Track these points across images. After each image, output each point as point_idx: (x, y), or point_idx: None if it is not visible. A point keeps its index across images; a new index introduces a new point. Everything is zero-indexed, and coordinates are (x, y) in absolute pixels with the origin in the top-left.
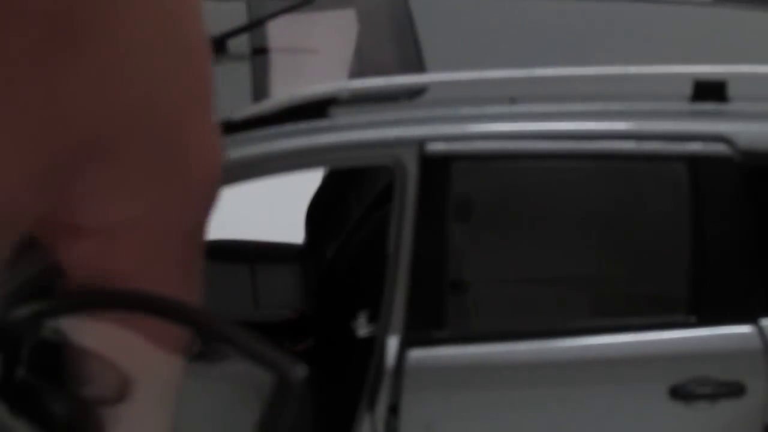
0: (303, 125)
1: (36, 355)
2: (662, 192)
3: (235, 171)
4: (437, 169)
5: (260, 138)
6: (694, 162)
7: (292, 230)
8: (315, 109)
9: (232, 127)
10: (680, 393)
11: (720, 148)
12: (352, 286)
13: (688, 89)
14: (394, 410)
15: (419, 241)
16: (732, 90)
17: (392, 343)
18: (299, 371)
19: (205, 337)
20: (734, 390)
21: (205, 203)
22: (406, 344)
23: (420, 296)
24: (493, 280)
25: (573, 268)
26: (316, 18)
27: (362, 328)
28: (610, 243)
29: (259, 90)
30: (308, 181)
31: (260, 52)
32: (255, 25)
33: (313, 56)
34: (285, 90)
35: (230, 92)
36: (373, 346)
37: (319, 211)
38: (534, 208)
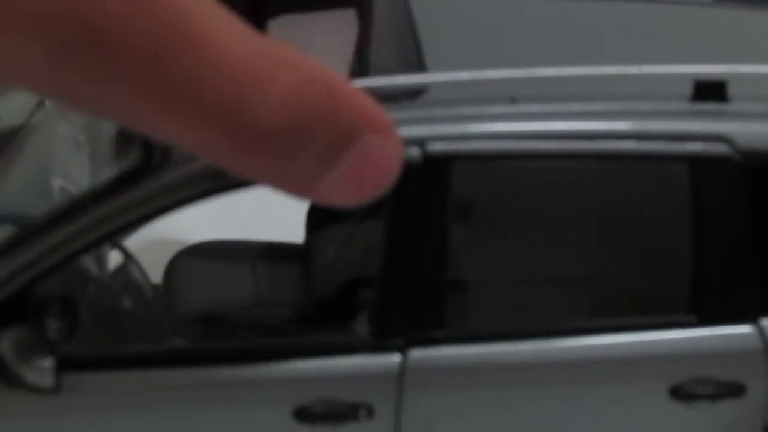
0: None
1: None
2: (662, 192)
3: None
4: (437, 169)
5: None
6: (694, 162)
7: (292, 230)
8: None
9: None
10: (680, 393)
11: (720, 148)
12: (352, 286)
13: (688, 89)
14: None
15: (419, 241)
16: (732, 90)
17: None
18: None
19: None
20: (734, 390)
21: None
22: (406, 344)
23: (420, 296)
24: (494, 279)
25: (573, 268)
26: (316, 18)
27: (362, 328)
28: (610, 243)
29: None
30: None
31: None
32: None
33: (314, 56)
34: None
35: None
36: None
37: (319, 211)
38: (534, 208)
